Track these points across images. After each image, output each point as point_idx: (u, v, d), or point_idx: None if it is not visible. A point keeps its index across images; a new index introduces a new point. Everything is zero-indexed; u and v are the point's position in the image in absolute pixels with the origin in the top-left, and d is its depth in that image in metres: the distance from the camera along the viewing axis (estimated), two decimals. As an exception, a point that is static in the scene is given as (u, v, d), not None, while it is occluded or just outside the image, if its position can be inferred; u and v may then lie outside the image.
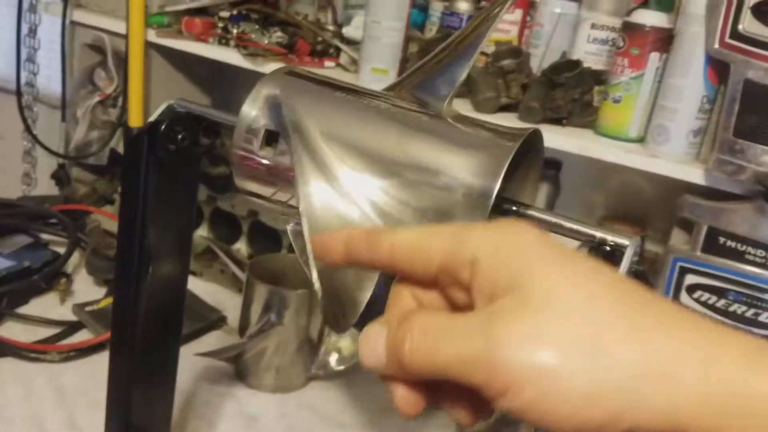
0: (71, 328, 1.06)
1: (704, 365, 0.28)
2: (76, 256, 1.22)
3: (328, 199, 0.47)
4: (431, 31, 1.21)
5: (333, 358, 1.03)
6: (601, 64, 1.07)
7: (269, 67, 1.16)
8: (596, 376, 0.28)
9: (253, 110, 0.52)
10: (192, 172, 0.63)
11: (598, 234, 0.45)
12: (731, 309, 0.90)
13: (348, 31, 1.21)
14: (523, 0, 1.13)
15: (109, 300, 1.10)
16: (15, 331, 1.04)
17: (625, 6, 1.04)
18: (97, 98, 1.32)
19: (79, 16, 1.33)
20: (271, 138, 0.51)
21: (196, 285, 1.23)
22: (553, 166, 1.17)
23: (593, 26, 1.06)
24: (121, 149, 1.33)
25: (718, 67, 0.91)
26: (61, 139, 1.39)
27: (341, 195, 0.47)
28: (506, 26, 1.13)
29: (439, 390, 0.33)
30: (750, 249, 0.88)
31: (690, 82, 0.92)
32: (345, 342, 1.03)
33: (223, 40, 1.21)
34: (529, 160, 0.53)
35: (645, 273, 0.44)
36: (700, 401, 0.28)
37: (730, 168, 0.88)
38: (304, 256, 0.46)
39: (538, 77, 1.06)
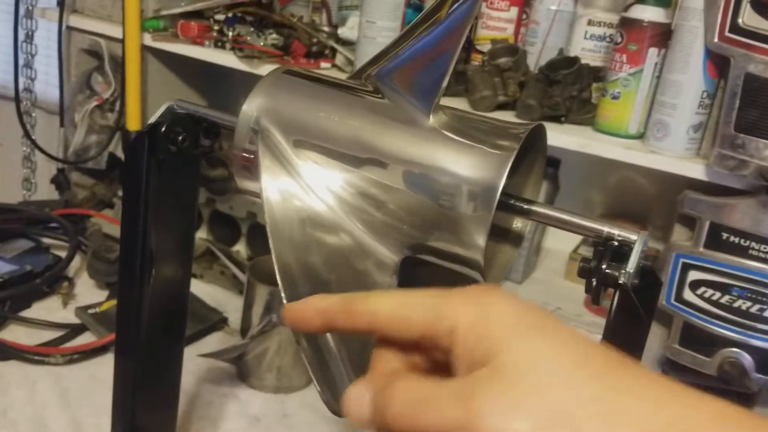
0: (74, 330, 1.07)
1: None
2: (77, 260, 1.22)
3: (290, 194, 0.48)
4: (429, 30, 1.21)
5: (335, 359, 1.03)
6: (599, 60, 1.07)
7: (265, 69, 1.15)
8: None
9: (253, 110, 0.52)
10: (192, 173, 0.63)
11: (606, 229, 0.45)
12: (735, 305, 0.90)
13: (343, 31, 1.21)
14: (520, -3, 1.13)
15: (112, 303, 1.10)
16: (18, 335, 1.04)
17: (622, 2, 1.04)
18: (94, 103, 1.31)
19: (75, 21, 1.33)
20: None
21: (196, 287, 1.23)
22: (551, 164, 1.17)
23: (590, 23, 1.06)
24: (119, 153, 1.33)
25: (718, 62, 0.91)
26: (59, 144, 1.39)
27: (304, 189, 0.48)
28: (502, 24, 1.13)
29: None
30: (753, 244, 0.88)
31: (689, 77, 0.92)
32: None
33: (219, 43, 1.21)
34: (532, 156, 0.53)
35: (653, 268, 0.43)
36: None
37: (732, 163, 0.87)
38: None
39: (535, 75, 1.06)
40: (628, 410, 0.29)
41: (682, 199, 0.94)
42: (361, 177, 0.48)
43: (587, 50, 1.07)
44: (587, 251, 1.22)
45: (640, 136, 1.00)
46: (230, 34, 1.20)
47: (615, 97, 0.99)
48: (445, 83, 0.47)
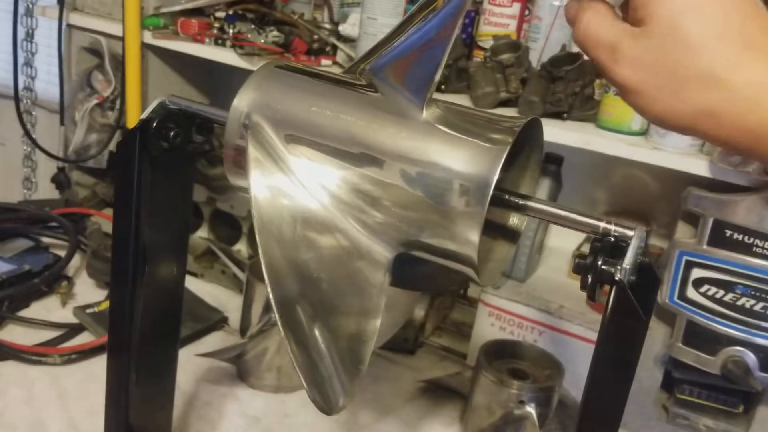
0: (72, 330, 1.06)
1: None
2: (77, 259, 1.22)
3: (280, 191, 0.47)
4: (429, 27, 1.20)
5: (335, 358, 1.02)
6: (602, 56, 1.05)
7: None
8: (676, 97, 0.38)
9: (244, 105, 0.51)
10: (186, 169, 0.63)
11: (602, 224, 0.44)
12: (739, 303, 0.89)
13: (344, 28, 1.20)
14: (522, -7, 1.12)
15: (109, 303, 1.09)
16: (16, 335, 1.04)
17: (626, -3, 1.03)
18: (95, 101, 1.31)
19: (75, 19, 1.32)
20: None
21: (197, 286, 1.22)
22: (554, 161, 1.16)
23: (593, 18, 1.05)
24: (120, 152, 1.32)
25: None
26: (60, 143, 1.38)
27: (295, 186, 0.47)
28: (504, 20, 1.12)
29: None
30: (757, 241, 0.87)
31: (692, 72, 0.91)
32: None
33: (219, 41, 1.20)
34: (529, 150, 0.52)
35: (651, 264, 0.42)
36: None
37: (736, 159, 0.86)
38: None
39: (537, 71, 1.05)
40: (736, 81, 0.37)
41: (685, 196, 0.93)
42: (354, 173, 0.47)
43: (590, 46, 1.06)
44: (591, 249, 1.21)
45: (643, 133, 0.99)
46: (231, 31, 1.20)
47: (618, 93, 0.98)
48: (437, 76, 0.46)
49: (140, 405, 0.68)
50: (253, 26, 1.20)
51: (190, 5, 1.23)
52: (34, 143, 1.40)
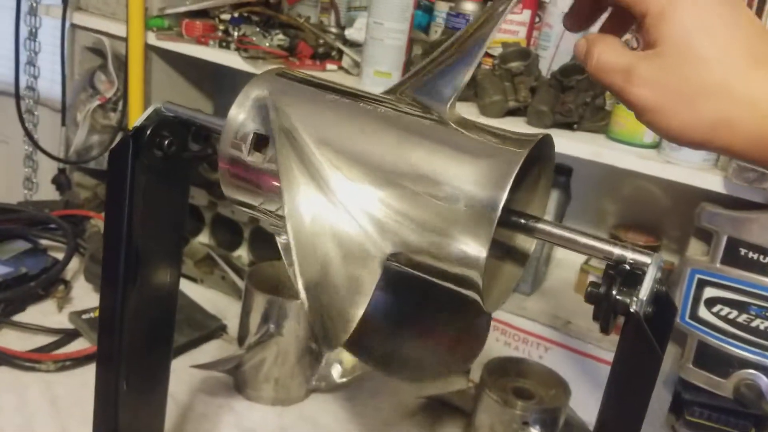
0: (68, 336, 1.04)
1: None
2: (75, 262, 1.20)
3: (320, 211, 0.44)
4: (436, 33, 1.18)
5: (335, 370, 1.00)
6: (615, 66, 1.02)
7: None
8: (691, 112, 0.40)
9: (241, 113, 0.48)
10: (182, 178, 0.60)
11: (616, 251, 0.42)
12: (753, 324, 0.86)
13: (350, 33, 1.17)
14: (532, 0, 1.09)
15: (105, 309, 1.07)
16: (11, 339, 1.02)
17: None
18: (97, 102, 1.29)
19: (79, 18, 1.31)
20: (260, 143, 0.48)
21: (197, 292, 1.20)
22: (563, 173, 1.13)
23: (606, 27, 1.02)
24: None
25: None
26: (61, 144, 1.37)
27: (335, 206, 0.44)
28: (514, 27, 1.10)
29: None
30: (773, 261, 0.84)
31: (708, 85, 0.88)
32: (347, 354, 1.00)
33: (224, 43, 1.18)
34: (539, 168, 0.49)
35: (668, 294, 0.40)
36: None
37: (752, 175, 0.84)
38: (292, 270, 0.43)
39: (547, 80, 1.02)
40: (746, 93, 0.39)
41: (698, 212, 0.90)
42: (394, 193, 0.45)
43: (602, 55, 1.03)
44: (600, 262, 1.18)
45: (656, 146, 0.96)
46: (235, 34, 1.18)
47: (635, 114, 0.95)
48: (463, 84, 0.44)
49: (130, 416, 0.65)
50: (258, 29, 1.18)
51: (194, 7, 1.21)
52: (35, 144, 1.38)
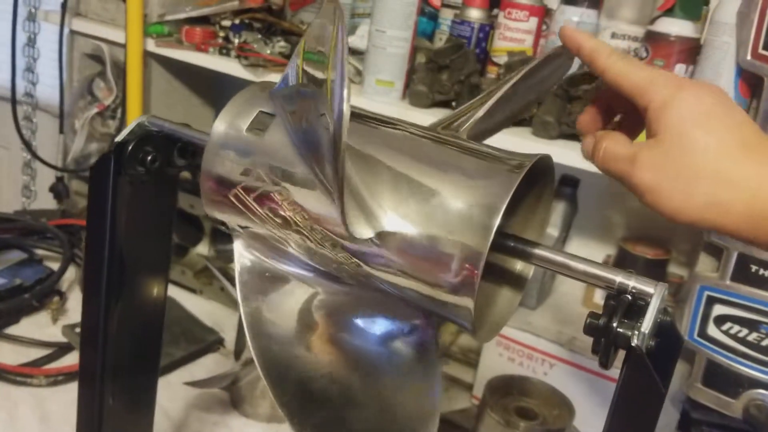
0: (61, 350, 1.02)
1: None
2: (71, 272, 1.18)
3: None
4: (441, 41, 1.15)
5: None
6: (622, 76, 1.00)
7: (270, 78, 1.10)
8: (687, 193, 0.43)
9: (225, 128, 0.46)
10: (167, 194, 0.58)
11: (618, 279, 0.39)
12: (764, 343, 0.83)
13: (353, 40, 1.15)
14: (539, 8, 1.06)
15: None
16: (4, 352, 1.00)
17: (648, 14, 0.97)
18: (95, 109, 1.27)
19: (78, 25, 1.29)
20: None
21: (195, 303, 1.18)
22: (570, 184, 1.11)
23: (614, 36, 1.00)
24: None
25: (750, 80, 0.84)
26: (59, 152, 1.35)
27: None
28: (520, 35, 1.07)
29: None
30: (785, 279, 0.82)
31: (719, 96, 0.85)
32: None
33: (224, 50, 1.16)
34: (540, 186, 0.47)
35: (673, 324, 0.37)
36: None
37: (763, 190, 0.81)
38: None
39: (553, 90, 1.00)
40: (738, 177, 0.43)
41: (708, 227, 0.87)
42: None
43: (610, 65, 1.01)
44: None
45: (665, 158, 0.93)
46: (236, 41, 1.16)
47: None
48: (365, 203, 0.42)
49: (114, 435, 0.63)
50: (259, 36, 1.16)
51: (194, 13, 1.19)
52: (31, 152, 1.36)
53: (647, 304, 0.37)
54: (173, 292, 1.21)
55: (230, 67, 1.14)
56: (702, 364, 0.88)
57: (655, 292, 0.38)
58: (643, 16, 0.98)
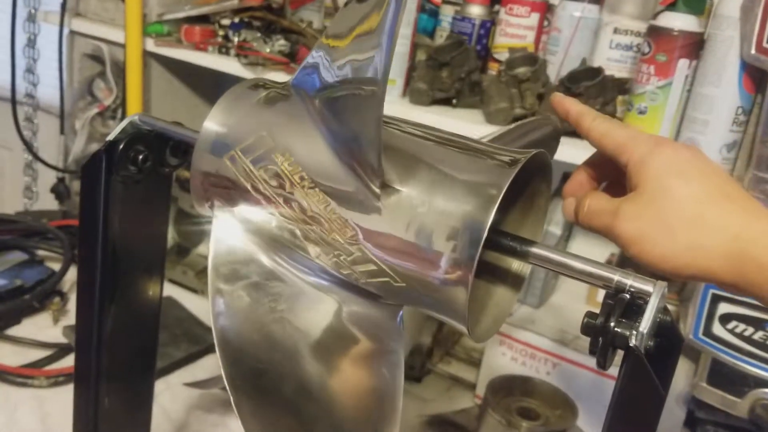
0: (62, 351, 1.02)
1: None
2: (72, 273, 1.17)
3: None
4: (441, 38, 1.14)
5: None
6: (625, 71, 0.99)
7: (269, 76, 1.10)
8: (670, 239, 0.44)
9: (216, 126, 0.45)
10: (161, 193, 0.57)
11: (616, 277, 0.38)
12: (769, 342, 0.82)
13: (354, 38, 1.14)
14: (540, 4, 1.05)
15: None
16: (5, 353, 1.00)
17: (651, 8, 0.96)
18: (96, 110, 1.27)
19: (77, 25, 1.28)
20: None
21: (197, 302, 1.18)
22: (573, 182, 1.09)
23: (616, 31, 0.99)
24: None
25: (755, 75, 0.83)
26: (60, 152, 1.34)
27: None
28: (521, 31, 1.06)
29: None
30: (790, 276, 0.80)
31: (723, 91, 0.85)
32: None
33: (223, 49, 1.16)
34: (536, 184, 0.46)
35: (673, 324, 0.36)
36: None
37: (768, 186, 0.80)
38: None
39: (555, 86, 0.99)
40: (719, 221, 0.43)
41: (712, 224, 0.86)
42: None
43: (612, 60, 1.00)
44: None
45: (668, 154, 0.92)
46: (236, 39, 1.15)
47: (642, 112, 0.92)
48: (380, 153, 0.40)
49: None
50: (259, 34, 1.15)
51: (194, 12, 1.18)
52: (32, 153, 1.36)
53: (646, 303, 0.36)
54: (174, 292, 1.20)
55: (230, 65, 1.13)
56: (707, 363, 0.87)
57: (654, 291, 0.37)
58: (646, 11, 0.97)
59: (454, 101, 1.04)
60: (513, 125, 0.57)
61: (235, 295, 0.44)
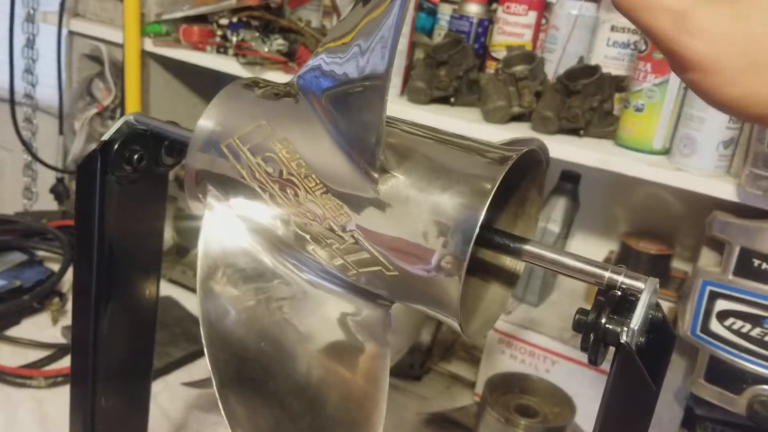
0: (61, 351, 1.02)
1: None
2: (71, 273, 1.17)
3: None
4: (439, 36, 1.14)
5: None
6: (622, 69, 0.99)
7: (267, 76, 1.10)
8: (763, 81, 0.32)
9: (211, 124, 0.46)
10: (157, 193, 0.57)
11: (607, 274, 0.38)
12: (767, 339, 0.82)
13: (351, 37, 1.14)
14: (538, 2, 1.05)
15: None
16: (4, 354, 1.00)
17: (648, 6, 0.96)
18: (94, 110, 1.27)
19: (76, 25, 1.28)
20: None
21: (196, 303, 1.17)
22: (571, 180, 1.10)
23: (613, 28, 0.99)
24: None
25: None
26: (59, 153, 1.35)
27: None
28: (519, 29, 1.06)
29: None
30: (787, 273, 0.80)
31: (719, 88, 0.84)
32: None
33: (222, 49, 1.16)
34: (529, 181, 0.46)
35: (665, 320, 0.36)
36: None
37: (765, 183, 0.80)
38: None
39: (552, 84, 0.99)
40: None
41: (710, 221, 0.86)
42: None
43: (610, 58, 1.00)
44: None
45: (666, 152, 0.92)
46: (234, 39, 1.15)
47: (639, 110, 0.92)
48: (381, 141, 0.40)
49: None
50: (257, 34, 1.15)
51: (192, 12, 1.18)
52: (31, 153, 1.36)
53: (637, 299, 0.37)
54: (173, 291, 1.20)
55: (228, 65, 1.14)
56: (705, 360, 0.87)
57: (645, 288, 0.37)
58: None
59: (452, 100, 1.04)
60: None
61: (225, 283, 0.44)
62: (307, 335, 0.43)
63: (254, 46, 1.14)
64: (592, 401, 0.90)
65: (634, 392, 0.35)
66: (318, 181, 0.41)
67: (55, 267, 1.16)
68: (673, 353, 0.79)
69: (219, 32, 1.18)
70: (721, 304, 0.85)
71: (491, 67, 1.08)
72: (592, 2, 1.02)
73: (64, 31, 1.30)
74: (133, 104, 1.20)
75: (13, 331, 1.05)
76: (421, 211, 0.39)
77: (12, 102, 1.30)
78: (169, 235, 1.25)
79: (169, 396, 0.95)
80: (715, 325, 0.86)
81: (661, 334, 0.37)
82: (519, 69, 0.99)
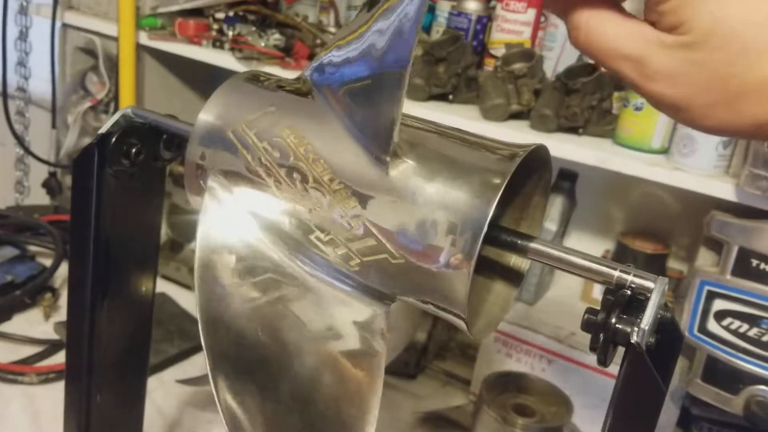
0: (53, 347, 1.01)
1: None
2: (64, 269, 1.16)
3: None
4: (438, 33, 1.13)
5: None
6: (621, 68, 0.98)
7: (264, 71, 1.09)
8: (733, 111, 0.33)
9: (212, 118, 0.45)
10: (155, 187, 0.56)
11: (616, 273, 0.38)
12: (765, 339, 0.82)
13: (349, 33, 1.13)
14: (537, -1, 1.05)
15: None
16: (-5, 349, 0.99)
17: (648, 5, 0.96)
18: (88, 104, 1.26)
19: (70, 18, 1.27)
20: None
21: (190, 299, 1.17)
22: (568, 178, 1.09)
23: (613, 27, 0.98)
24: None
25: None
26: (52, 147, 1.33)
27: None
28: (518, 27, 1.05)
29: None
30: (786, 273, 0.80)
31: (719, 87, 0.84)
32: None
33: (218, 43, 1.15)
34: (535, 179, 0.45)
35: (674, 320, 0.36)
36: None
37: (764, 183, 0.79)
38: None
39: (551, 82, 0.98)
40: None
41: (708, 221, 0.86)
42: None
43: (608, 56, 0.99)
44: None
45: (665, 151, 0.92)
46: (230, 33, 1.14)
47: (638, 108, 0.91)
48: (397, 124, 0.39)
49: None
50: (254, 28, 1.14)
51: (188, 5, 1.17)
52: (24, 147, 1.35)
53: (647, 299, 0.36)
54: (168, 288, 1.19)
55: (224, 60, 1.13)
56: (702, 360, 0.87)
57: (655, 287, 0.36)
58: (642, 7, 0.96)
59: (451, 97, 1.04)
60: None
61: (223, 271, 0.43)
62: (305, 329, 0.42)
63: (250, 41, 1.13)
64: (588, 400, 0.90)
65: (643, 392, 0.35)
66: (326, 166, 0.40)
67: (48, 262, 1.14)
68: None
69: (215, 26, 1.17)
70: (718, 304, 0.85)
71: (490, 65, 1.07)
72: (592, 0, 1.01)
73: (58, 24, 1.29)
74: (127, 98, 1.19)
75: (5, 327, 1.04)
76: (430, 199, 0.38)
77: (5, 95, 1.28)
78: (162, 231, 1.24)
79: (164, 393, 0.94)
80: (712, 325, 0.86)
81: (669, 334, 0.37)
82: (518, 67, 0.99)
